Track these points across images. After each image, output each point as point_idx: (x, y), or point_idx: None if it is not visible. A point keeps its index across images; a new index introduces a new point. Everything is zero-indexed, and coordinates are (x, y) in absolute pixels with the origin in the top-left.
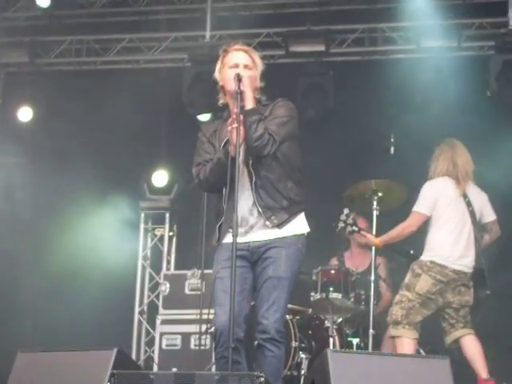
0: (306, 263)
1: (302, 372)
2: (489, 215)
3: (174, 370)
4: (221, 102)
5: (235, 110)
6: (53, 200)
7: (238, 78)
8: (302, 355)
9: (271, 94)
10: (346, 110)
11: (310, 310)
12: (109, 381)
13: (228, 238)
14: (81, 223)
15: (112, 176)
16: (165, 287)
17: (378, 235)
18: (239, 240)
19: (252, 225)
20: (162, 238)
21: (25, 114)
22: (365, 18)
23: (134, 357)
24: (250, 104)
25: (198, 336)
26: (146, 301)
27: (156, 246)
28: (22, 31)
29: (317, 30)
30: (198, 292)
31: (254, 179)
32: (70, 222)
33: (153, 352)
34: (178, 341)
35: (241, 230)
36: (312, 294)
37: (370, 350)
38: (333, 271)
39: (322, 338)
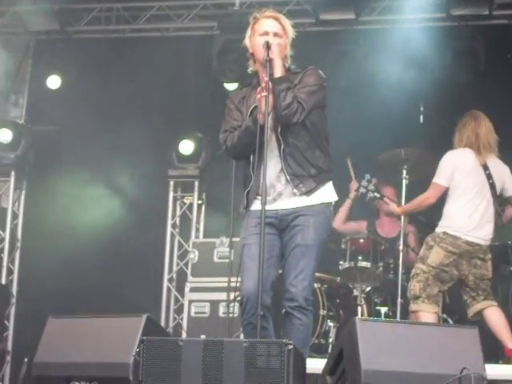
0: (334, 232)
1: (330, 340)
2: (511, 189)
3: (203, 337)
4: (251, 69)
5: (265, 79)
6: (80, 171)
7: (267, 46)
8: (330, 323)
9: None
10: (375, 79)
11: (339, 278)
12: (138, 347)
13: (256, 205)
14: (110, 193)
15: (140, 145)
16: (194, 255)
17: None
18: (267, 207)
19: (280, 192)
20: (190, 207)
21: (54, 81)
22: None
23: (163, 324)
24: (278, 72)
25: (226, 304)
26: (175, 268)
27: (185, 214)
28: None
29: None
30: (227, 260)
31: (282, 146)
32: (100, 193)
33: (181, 319)
34: (207, 308)
35: (269, 198)
36: (341, 262)
37: (398, 318)
38: (362, 240)
39: (350, 306)
